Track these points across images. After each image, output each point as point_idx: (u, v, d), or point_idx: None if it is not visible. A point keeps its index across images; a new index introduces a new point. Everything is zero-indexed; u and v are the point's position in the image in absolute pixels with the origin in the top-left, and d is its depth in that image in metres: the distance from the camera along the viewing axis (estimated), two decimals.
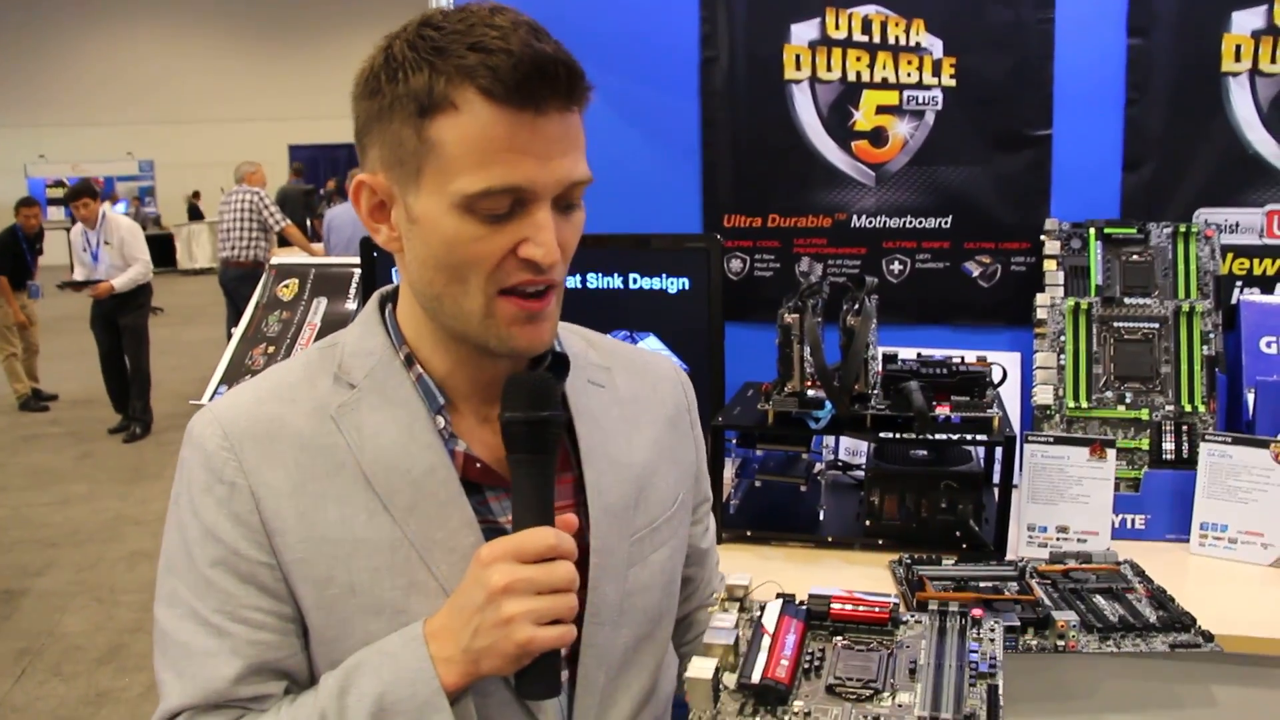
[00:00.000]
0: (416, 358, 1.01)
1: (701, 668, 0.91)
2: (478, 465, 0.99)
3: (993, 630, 1.05)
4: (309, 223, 10.49)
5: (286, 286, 2.51)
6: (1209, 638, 1.35)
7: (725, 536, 1.73)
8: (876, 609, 1.04)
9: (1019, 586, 1.46)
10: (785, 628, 1.00)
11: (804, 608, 1.04)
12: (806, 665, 0.98)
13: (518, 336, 0.95)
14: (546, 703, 1.00)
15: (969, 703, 0.95)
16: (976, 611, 1.06)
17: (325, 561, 0.95)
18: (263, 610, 0.95)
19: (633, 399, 1.12)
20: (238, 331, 2.48)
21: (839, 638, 1.03)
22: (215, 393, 2.37)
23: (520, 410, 0.93)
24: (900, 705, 0.95)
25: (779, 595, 1.06)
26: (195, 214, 17.34)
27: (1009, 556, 1.62)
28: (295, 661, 0.97)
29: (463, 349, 0.99)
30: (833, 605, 1.04)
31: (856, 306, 1.71)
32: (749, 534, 1.76)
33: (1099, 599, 1.44)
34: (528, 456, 0.94)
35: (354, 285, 2.51)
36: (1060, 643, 1.33)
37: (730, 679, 0.94)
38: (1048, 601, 1.41)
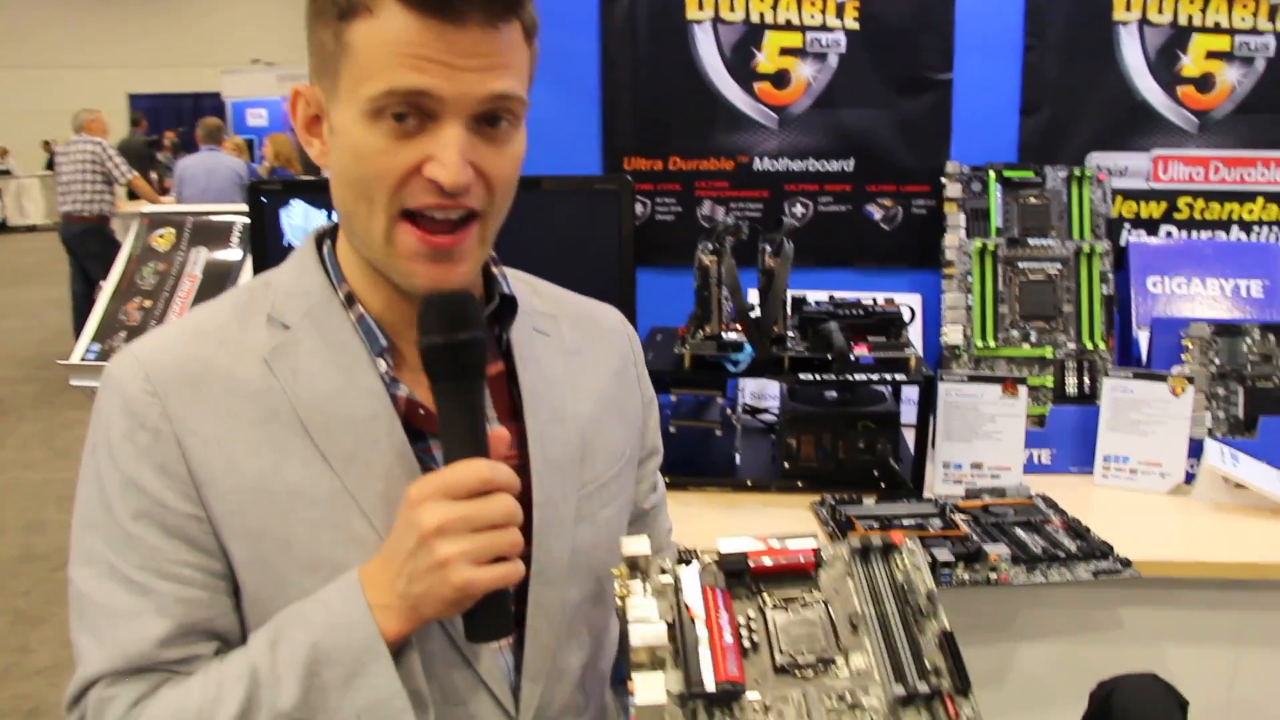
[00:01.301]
0: (357, 297, 0.93)
1: (650, 690, 0.82)
2: (421, 411, 0.93)
3: (913, 553, 1.03)
4: (152, 175, 9.90)
5: (162, 236, 2.33)
6: (1126, 563, 1.39)
7: None
8: (800, 558, 0.98)
9: (943, 522, 1.48)
10: (713, 604, 0.92)
11: (720, 569, 0.98)
12: (745, 643, 0.90)
13: (419, 274, 0.88)
14: (490, 661, 0.94)
15: (929, 658, 0.92)
16: (895, 535, 1.04)
17: (258, 514, 0.87)
18: (191, 566, 0.87)
19: (579, 349, 1.07)
20: (108, 285, 2.29)
21: (765, 597, 0.95)
22: (88, 352, 2.20)
23: (438, 334, 0.85)
24: (859, 673, 0.90)
25: (682, 557, 0.96)
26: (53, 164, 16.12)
27: (926, 495, 1.64)
28: (226, 622, 0.90)
29: (389, 283, 0.92)
30: (750, 560, 0.98)
31: (774, 248, 1.69)
32: (666, 481, 1.72)
33: (1020, 532, 1.46)
34: (451, 384, 0.86)
35: (236, 234, 2.35)
36: (992, 575, 1.35)
37: (673, 679, 0.85)
38: (975, 536, 1.43)
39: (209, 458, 0.87)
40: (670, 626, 0.89)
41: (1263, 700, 1.51)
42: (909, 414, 1.75)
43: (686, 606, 0.90)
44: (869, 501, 1.57)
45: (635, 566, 0.94)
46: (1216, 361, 1.80)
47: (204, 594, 0.88)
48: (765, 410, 2.05)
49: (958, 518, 1.50)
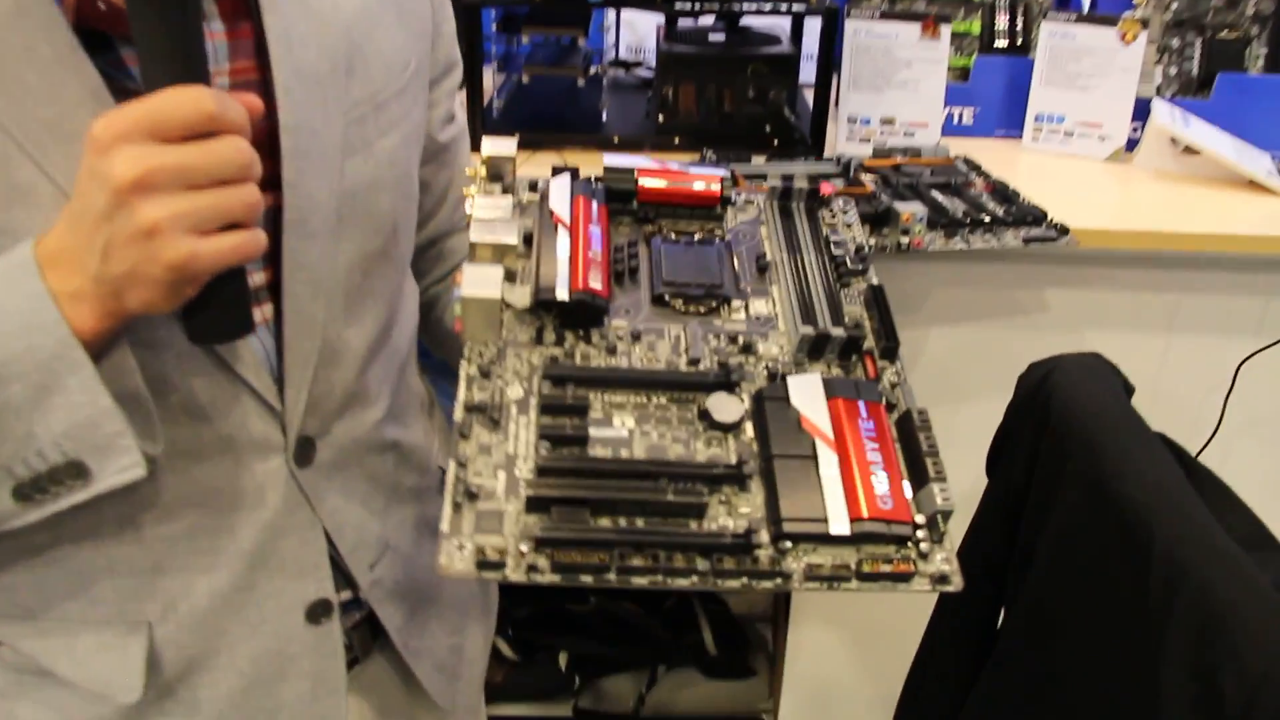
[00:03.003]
0: None
1: (482, 281, 0.61)
2: (101, 5, 0.58)
3: (846, 209, 0.78)
4: None
5: None
6: (1063, 230, 1.14)
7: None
8: (702, 185, 0.74)
9: (846, 181, 1.20)
10: (584, 215, 0.68)
11: (601, 185, 0.73)
12: (619, 267, 0.68)
13: None
14: (242, 348, 0.66)
15: (848, 309, 0.69)
16: (826, 186, 0.78)
17: None
18: None
19: None
20: None
21: (651, 228, 0.73)
22: None
23: None
24: (758, 317, 0.67)
25: (558, 170, 0.74)
26: None
27: (827, 154, 1.35)
28: None
29: None
30: (641, 181, 0.72)
31: None
32: (518, 139, 1.39)
33: (937, 194, 1.20)
34: None
35: None
36: (904, 239, 1.08)
37: (521, 294, 0.66)
38: (884, 196, 1.15)
39: None
40: (526, 238, 0.68)
41: (1190, 392, 1.33)
42: (809, 73, 1.43)
43: (551, 212, 0.69)
44: (759, 160, 1.27)
45: (498, 175, 0.72)
46: (1173, 7, 1.50)
47: None
48: (640, 64, 1.71)
49: (864, 177, 1.22)
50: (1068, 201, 1.22)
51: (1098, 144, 1.44)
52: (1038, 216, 1.15)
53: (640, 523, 0.56)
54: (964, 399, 1.32)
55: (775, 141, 1.36)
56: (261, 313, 0.68)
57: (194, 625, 0.72)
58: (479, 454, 0.58)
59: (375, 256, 0.73)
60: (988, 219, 1.13)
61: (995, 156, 1.37)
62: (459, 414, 0.59)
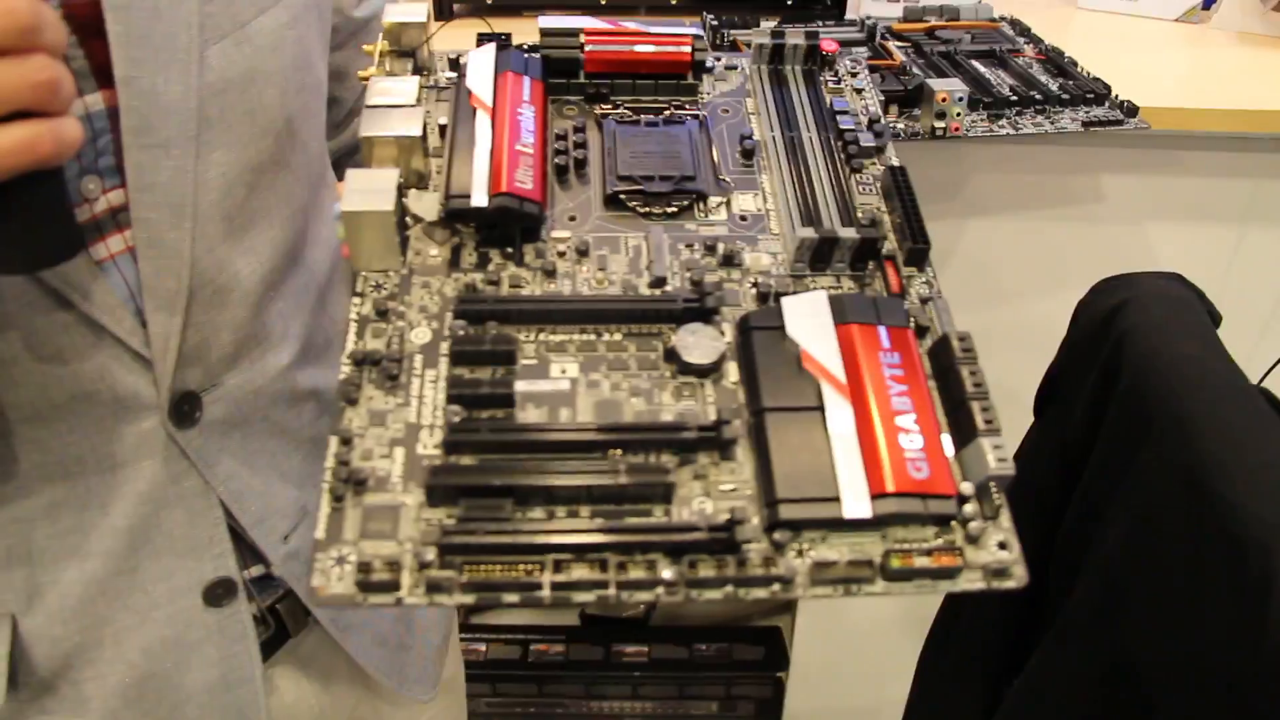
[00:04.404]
0: None
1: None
2: None
3: (856, 72, 0.61)
4: None
5: None
6: (1132, 111, 0.96)
7: (456, 9, 1.20)
8: (667, 48, 0.57)
9: (870, 51, 1.02)
10: (513, 95, 0.52)
11: (536, 56, 0.56)
12: (561, 160, 0.52)
13: None
14: (92, 283, 0.52)
15: (860, 202, 0.53)
16: (829, 44, 0.61)
17: None
18: None
19: None
20: None
21: (604, 107, 0.57)
22: None
23: None
24: (742, 217, 0.52)
25: (483, 39, 0.57)
26: None
27: (849, 15, 1.16)
28: None
29: None
30: (589, 48, 0.56)
31: None
32: (488, 1, 1.21)
33: (979, 65, 1.01)
34: None
35: None
36: (939, 124, 0.91)
37: (429, 203, 0.50)
38: (917, 70, 0.97)
39: None
40: (442, 129, 0.53)
41: (1259, 286, 1.16)
42: None
43: (469, 92, 0.52)
44: (769, 24, 1.09)
45: (407, 51, 0.55)
46: None
47: None
48: None
49: (892, 45, 1.03)
50: (1132, 73, 1.03)
51: (1167, 3, 1.23)
52: (1099, 94, 0.97)
53: (584, 514, 0.41)
54: (1003, 305, 1.15)
55: (789, 0, 1.17)
56: (123, 239, 0.54)
57: (68, 616, 0.59)
58: (370, 424, 0.43)
59: (265, 167, 0.58)
60: (1039, 97, 0.95)
61: (1047, 17, 1.19)
62: (344, 369, 0.44)
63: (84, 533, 0.57)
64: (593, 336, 0.46)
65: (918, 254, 0.51)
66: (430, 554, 0.39)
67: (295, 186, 0.61)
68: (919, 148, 1.00)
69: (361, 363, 0.44)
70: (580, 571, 0.40)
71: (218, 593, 0.62)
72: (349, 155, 0.76)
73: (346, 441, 0.42)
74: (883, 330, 0.46)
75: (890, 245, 0.51)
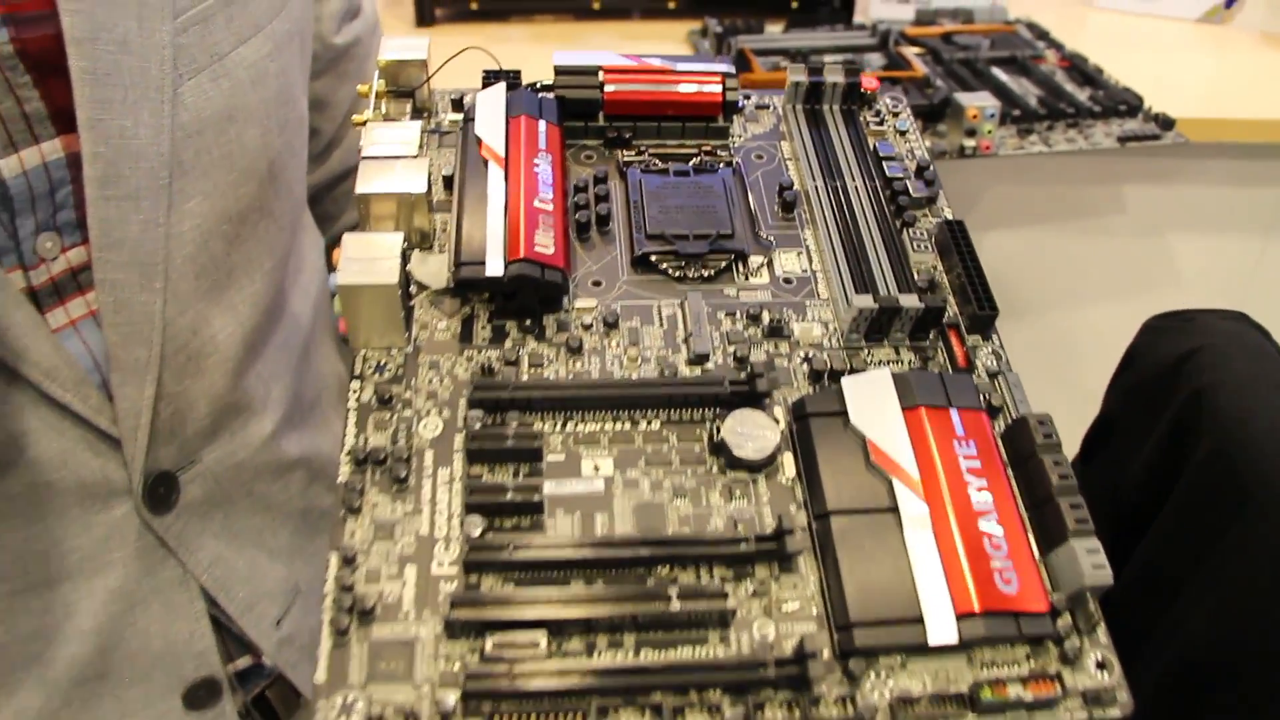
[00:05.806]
0: None
1: (370, 259, 0.40)
2: None
3: (897, 110, 0.56)
4: None
5: None
6: (1168, 124, 0.91)
7: (438, 15, 1.13)
8: (697, 87, 0.51)
9: (885, 60, 0.96)
10: (528, 142, 0.46)
11: (550, 97, 0.50)
12: (582, 216, 0.47)
13: None
14: (52, 355, 0.46)
15: (915, 259, 0.48)
16: (870, 82, 0.55)
17: None
18: None
19: None
20: None
21: (629, 152, 0.51)
22: None
23: None
24: (787, 280, 0.47)
25: (490, 76, 0.51)
26: None
27: (858, 19, 1.10)
28: None
29: None
30: (608, 84, 0.50)
31: None
32: (472, 6, 1.14)
33: (1001, 74, 0.96)
34: None
35: None
36: (969, 142, 0.85)
37: (437, 269, 0.44)
38: (939, 81, 0.91)
39: None
40: (446, 180, 0.47)
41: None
42: None
43: (478, 140, 0.46)
44: (774, 30, 1.03)
45: (405, 91, 0.50)
46: None
47: None
48: None
49: (908, 52, 0.98)
50: (1155, 78, 0.98)
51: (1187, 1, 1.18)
52: (1132, 105, 0.91)
53: (628, 643, 0.35)
54: (1025, 317, 1.10)
55: (794, 3, 1.11)
56: (85, 303, 0.47)
57: None
58: (376, 537, 0.37)
59: (245, 216, 0.52)
60: (1070, 110, 0.89)
61: (1061, 17, 1.13)
62: (344, 471, 0.38)
63: (46, 639, 0.51)
64: (628, 425, 0.40)
65: (983, 321, 0.45)
66: (452, 699, 0.34)
67: (278, 235, 0.55)
68: (942, 165, 0.95)
69: (363, 462, 0.38)
70: (630, 718, 0.34)
71: (200, 694, 0.56)
72: (327, 190, 0.70)
73: (349, 560, 0.36)
74: (955, 414, 0.40)
75: (950, 311, 0.46)
